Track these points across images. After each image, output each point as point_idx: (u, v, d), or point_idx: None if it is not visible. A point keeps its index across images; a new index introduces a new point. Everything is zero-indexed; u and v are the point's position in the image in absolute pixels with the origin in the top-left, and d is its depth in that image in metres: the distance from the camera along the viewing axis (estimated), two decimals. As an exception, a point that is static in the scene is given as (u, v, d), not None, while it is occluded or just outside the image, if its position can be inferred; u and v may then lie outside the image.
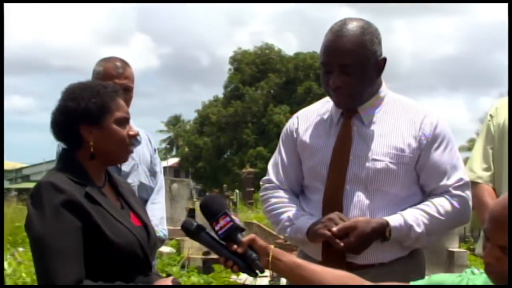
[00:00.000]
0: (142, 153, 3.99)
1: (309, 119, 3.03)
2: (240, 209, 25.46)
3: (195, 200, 24.57)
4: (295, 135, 3.03)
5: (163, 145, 61.04)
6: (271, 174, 3.07)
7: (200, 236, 2.33)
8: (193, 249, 11.70)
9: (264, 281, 9.22)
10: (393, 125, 2.88)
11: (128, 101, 3.50)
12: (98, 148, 2.43)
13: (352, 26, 2.82)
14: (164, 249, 10.98)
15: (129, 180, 3.73)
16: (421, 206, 2.85)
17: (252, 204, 27.93)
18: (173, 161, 58.25)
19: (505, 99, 3.60)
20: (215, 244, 2.31)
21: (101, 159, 2.46)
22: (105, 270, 2.33)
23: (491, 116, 3.46)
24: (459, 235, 11.53)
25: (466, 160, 3.39)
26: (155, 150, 4.20)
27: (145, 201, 3.92)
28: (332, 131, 2.94)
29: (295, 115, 3.12)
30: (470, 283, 2.08)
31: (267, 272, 8.67)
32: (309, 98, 41.47)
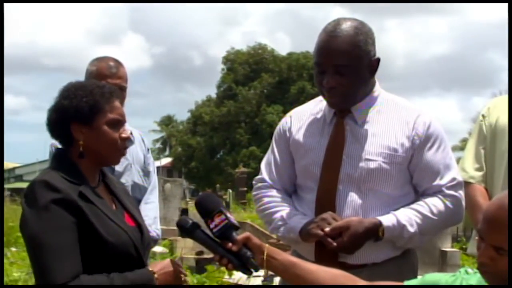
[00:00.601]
0: (135, 153, 3.99)
1: (302, 118, 3.03)
2: (233, 209, 25.43)
3: (188, 200, 24.55)
4: (288, 135, 3.03)
5: (156, 145, 60.94)
6: (264, 173, 3.07)
7: (195, 233, 2.33)
8: (186, 249, 11.70)
9: (257, 281, 9.22)
10: (386, 125, 2.89)
11: (121, 101, 3.50)
12: (87, 147, 2.42)
13: (346, 26, 2.82)
14: (157, 249, 10.96)
15: (123, 180, 3.73)
16: (414, 206, 2.85)
17: (245, 204, 27.92)
18: (166, 161, 58.14)
19: (497, 99, 3.62)
20: (210, 242, 2.32)
21: (91, 159, 2.45)
22: (98, 269, 2.32)
23: (483, 116, 3.47)
24: (452, 235, 11.55)
25: (458, 160, 3.40)
26: (148, 150, 4.20)
27: (139, 201, 3.92)
28: (325, 131, 2.94)
29: (288, 114, 3.13)
30: (464, 282, 2.08)
31: (261, 272, 8.68)
32: (302, 98, 41.38)
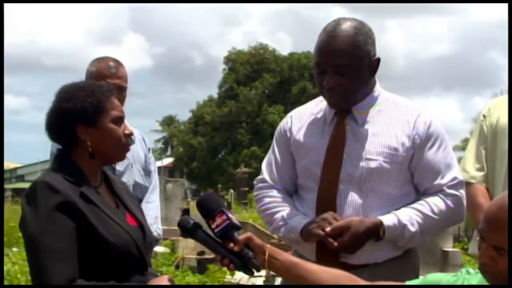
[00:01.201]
0: (136, 153, 4.00)
1: (303, 118, 3.04)
2: (234, 209, 25.43)
3: (189, 200, 24.54)
4: (288, 135, 3.03)
5: (158, 145, 61.01)
6: (265, 174, 3.07)
7: (197, 233, 2.33)
8: (187, 249, 11.69)
9: (259, 281, 9.22)
10: (386, 125, 2.89)
11: (122, 101, 3.50)
12: (95, 147, 2.44)
13: (346, 26, 2.82)
14: (159, 249, 10.96)
15: (124, 180, 3.74)
16: (415, 205, 2.85)
17: (247, 204, 27.89)
18: (167, 161, 58.16)
19: (498, 99, 3.61)
20: (211, 242, 2.32)
21: (99, 159, 2.47)
22: (101, 270, 2.33)
23: (484, 116, 3.47)
24: (453, 234, 11.54)
25: (460, 160, 3.40)
26: (149, 149, 4.21)
27: (140, 201, 3.92)
28: (326, 131, 2.94)
29: (288, 115, 3.13)
30: (466, 283, 2.09)
31: (262, 272, 8.68)
32: (304, 98, 41.36)
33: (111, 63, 3.88)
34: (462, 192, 2.90)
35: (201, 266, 10.31)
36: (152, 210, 4.03)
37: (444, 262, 9.20)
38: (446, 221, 2.91)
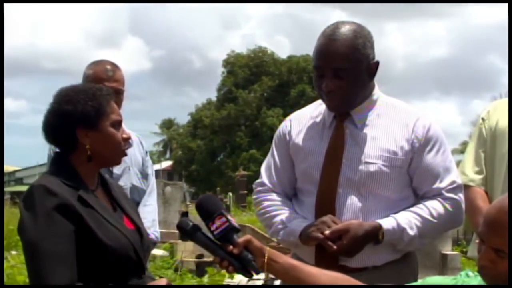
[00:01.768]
0: (133, 156, 4.00)
1: (302, 122, 3.03)
2: (233, 212, 25.42)
3: (188, 203, 24.53)
4: (287, 138, 3.03)
5: (157, 148, 61.04)
6: (264, 177, 3.07)
7: (196, 236, 2.32)
8: (186, 252, 11.70)
9: (258, 283, 9.21)
10: (385, 128, 2.89)
11: (119, 104, 3.50)
12: (93, 151, 2.44)
13: (345, 29, 2.82)
14: (157, 252, 10.96)
15: (121, 183, 3.74)
16: (414, 209, 2.85)
17: (245, 207, 27.89)
18: (166, 164, 58.17)
19: (497, 103, 3.61)
20: (210, 244, 2.31)
21: (97, 162, 2.47)
22: (98, 273, 2.33)
23: (483, 119, 3.47)
24: (452, 238, 11.53)
25: (458, 163, 3.40)
26: (146, 152, 4.21)
27: (137, 204, 3.92)
28: (325, 134, 2.94)
29: (288, 118, 3.13)
30: (465, 286, 2.09)
31: (261, 275, 8.66)
32: (302, 101, 41.41)
33: (108, 66, 3.88)
34: (460, 196, 2.90)
35: (200, 269, 10.32)
36: (150, 213, 4.03)
37: (443, 265, 9.19)
38: (445, 224, 2.91)
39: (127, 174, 3.94)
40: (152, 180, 4.18)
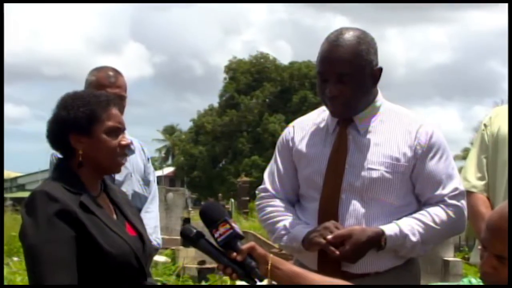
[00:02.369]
0: (135, 162, 4.00)
1: (305, 128, 3.04)
2: (235, 219, 25.37)
3: (190, 209, 24.50)
4: (291, 144, 3.03)
5: (159, 154, 61.03)
6: (267, 183, 3.07)
7: (199, 243, 2.32)
8: (188, 259, 11.69)
9: None
10: (388, 134, 2.89)
11: (121, 110, 3.52)
12: (87, 157, 2.43)
13: (348, 35, 2.83)
14: (159, 258, 10.96)
15: (123, 189, 3.73)
16: (416, 215, 2.85)
17: (247, 213, 27.86)
18: (168, 170, 58.15)
19: (499, 109, 3.62)
20: (214, 251, 2.31)
21: (91, 169, 2.45)
22: (100, 279, 2.33)
23: (485, 125, 3.47)
24: (454, 244, 11.52)
25: (460, 169, 3.40)
26: (148, 159, 4.21)
27: (139, 210, 3.92)
28: (328, 140, 2.94)
29: (291, 124, 3.13)
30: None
31: (265, 282, 8.65)
32: (304, 107, 41.42)
33: (110, 73, 3.89)
34: (463, 203, 2.90)
35: (201, 276, 10.31)
36: (151, 220, 4.03)
37: (445, 272, 9.17)
38: (447, 231, 2.91)
39: (129, 180, 3.94)
40: (154, 186, 4.18)
